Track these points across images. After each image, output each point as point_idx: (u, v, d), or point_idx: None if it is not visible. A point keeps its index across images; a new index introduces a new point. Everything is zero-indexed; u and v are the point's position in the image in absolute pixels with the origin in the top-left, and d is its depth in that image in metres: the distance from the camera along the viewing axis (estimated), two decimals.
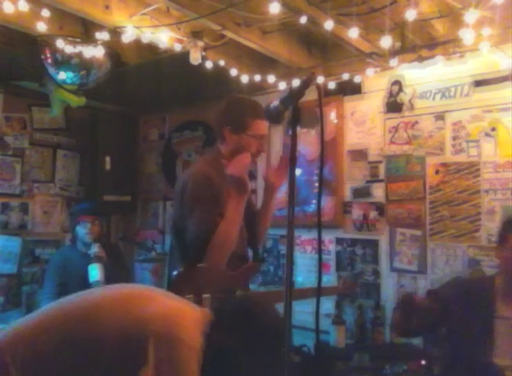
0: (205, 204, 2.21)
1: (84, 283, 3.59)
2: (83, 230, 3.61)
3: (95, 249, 3.42)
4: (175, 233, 2.38)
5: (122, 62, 3.49)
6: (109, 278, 3.48)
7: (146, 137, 5.19)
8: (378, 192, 3.59)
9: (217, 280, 2.19)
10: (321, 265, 1.58)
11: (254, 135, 2.33)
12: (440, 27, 3.02)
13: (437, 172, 3.33)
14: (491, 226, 3.06)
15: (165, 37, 3.00)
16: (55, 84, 3.59)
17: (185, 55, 3.12)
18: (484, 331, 2.21)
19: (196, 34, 3.06)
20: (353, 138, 3.73)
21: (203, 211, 2.19)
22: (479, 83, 3.18)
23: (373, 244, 3.60)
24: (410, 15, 2.55)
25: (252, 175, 2.95)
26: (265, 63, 3.63)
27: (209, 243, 2.13)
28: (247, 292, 1.94)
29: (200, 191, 2.23)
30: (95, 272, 3.24)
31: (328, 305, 3.42)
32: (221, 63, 3.34)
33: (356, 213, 3.68)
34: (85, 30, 3.11)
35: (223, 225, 2.16)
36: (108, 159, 4.59)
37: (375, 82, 3.62)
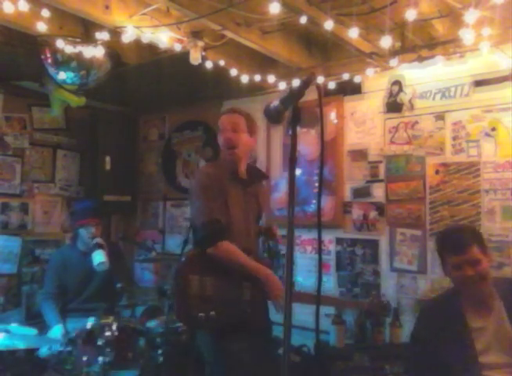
0: (206, 194, 2.45)
1: (84, 283, 3.60)
2: (86, 234, 3.59)
3: (97, 240, 3.42)
4: (192, 230, 2.56)
5: (122, 62, 3.49)
6: (110, 277, 3.48)
7: (146, 137, 5.19)
8: (378, 192, 3.59)
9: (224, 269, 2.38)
10: (321, 265, 1.58)
11: (220, 130, 2.59)
12: (440, 27, 3.02)
13: (437, 172, 3.33)
14: (491, 226, 3.06)
15: (165, 37, 3.00)
16: (55, 84, 3.59)
17: (185, 55, 3.12)
18: (465, 344, 2.19)
19: (196, 34, 3.06)
20: (353, 138, 3.73)
21: (204, 201, 2.44)
22: (479, 83, 3.18)
23: (373, 244, 3.60)
24: (410, 15, 2.55)
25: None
26: (265, 63, 3.63)
27: (215, 228, 2.38)
28: None
29: (201, 184, 2.52)
30: (99, 256, 3.25)
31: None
32: (221, 63, 3.34)
33: (356, 213, 3.68)
34: (85, 30, 3.11)
35: (233, 256, 2.39)
36: (108, 159, 4.59)
37: (375, 82, 3.62)
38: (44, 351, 2.92)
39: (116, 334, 2.76)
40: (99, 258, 3.25)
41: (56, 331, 3.27)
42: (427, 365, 2.29)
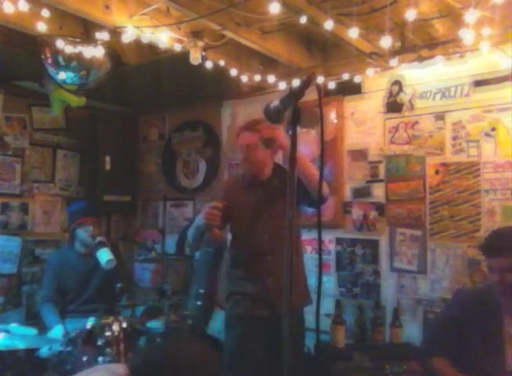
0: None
1: (84, 284, 3.60)
2: (85, 233, 3.58)
3: (99, 238, 3.41)
4: None
5: (122, 62, 3.49)
6: (109, 277, 3.48)
7: (146, 137, 5.18)
8: (378, 192, 3.59)
9: None
10: (321, 265, 1.58)
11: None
12: (440, 27, 3.02)
13: (437, 172, 3.33)
14: (491, 226, 3.06)
15: (165, 37, 3.00)
16: (55, 84, 3.59)
17: (185, 55, 3.12)
18: (494, 346, 2.16)
19: (196, 34, 3.06)
20: (353, 138, 3.73)
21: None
22: (479, 83, 3.18)
23: (373, 244, 3.59)
24: (410, 15, 2.55)
25: None
26: (264, 63, 3.63)
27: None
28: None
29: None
30: (105, 253, 3.23)
31: (328, 305, 3.42)
32: (221, 63, 3.34)
33: (356, 213, 3.68)
34: (85, 30, 3.11)
35: None
36: (108, 159, 4.58)
37: (375, 82, 3.62)
38: (44, 351, 2.91)
39: (116, 334, 2.75)
40: (105, 256, 3.24)
41: (57, 331, 3.26)
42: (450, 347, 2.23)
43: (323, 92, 3.43)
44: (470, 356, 2.17)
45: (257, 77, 3.55)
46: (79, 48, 3.09)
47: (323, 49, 3.62)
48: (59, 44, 3.01)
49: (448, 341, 2.25)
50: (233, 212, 2.65)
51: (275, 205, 2.60)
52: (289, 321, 2.41)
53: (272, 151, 2.67)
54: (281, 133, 2.57)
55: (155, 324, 3.30)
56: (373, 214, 3.60)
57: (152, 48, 3.24)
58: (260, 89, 3.95)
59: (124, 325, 2.80)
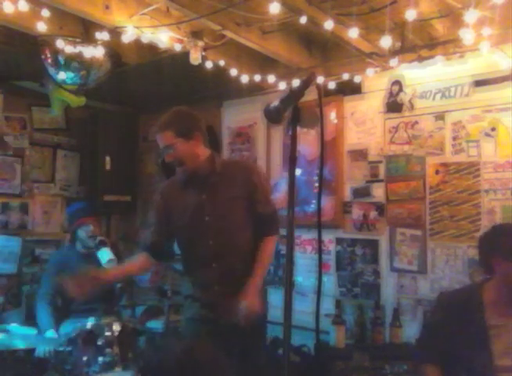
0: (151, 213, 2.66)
1: None
2: (85, 233, 3.57)
3: (99, 238, 3.40)
4: None
5: (122, 62, 3.49)
6: None
7: (146, 137, 5.18)
8: (378, 192, 3.59)
9: None
10: (321, 265, 1.58)
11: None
12: (440, 27, 3.03)
13: (437, 172, 3.33)
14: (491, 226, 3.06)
15: (165, 37, 3.00)
16: (55, 84, 3.59)
17: (185, 55, 3.12)
18: (480, 341, 2.14)
19: (196, 34, 3.06)
20: (353, 138, 3.73)
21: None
22: (479, 83, 3.18)
23: (373, 244, 3.60)
24: (410, 15, 2.55)
25: None
26: (265, 63, 3.63)
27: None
28: None
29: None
30: (106, 253, 3.21)
31: (328, 305, 3.42)
32: (221, 63, 3.34)
33: (356, 213, 3.68)
34: (85, 30, 3.11)
35: None
36: (108, 159, 4.59)
37: (375, 82, 3.62)
38: (41, 350, 2.91)
39: (116, 334, 2.75)
40: (106, 255, 3.22)
41: (49, 336, 3.25)
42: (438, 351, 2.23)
43: (323, 92, 3.43)
44: (459, 357, 2.17)
45: (257, 77, 3.55)
46: (79, 48, 3.09)
47: (323, 49, 3.62)
48: (59, 44, 3.02)
49: (435, 347, 2.26)
50: (173, 219, 2.49)
51: (219, 205, 2.41)
52: (244, 333, 2.38)
53: (194, 141, 2.42)
54: None
55: (155, 324, 3.31)
56: (372, 214, 3.60)
57: (152, 48, 3.24)
58: (260, 89, 3.95)
59: (124, 325, 2.80)
